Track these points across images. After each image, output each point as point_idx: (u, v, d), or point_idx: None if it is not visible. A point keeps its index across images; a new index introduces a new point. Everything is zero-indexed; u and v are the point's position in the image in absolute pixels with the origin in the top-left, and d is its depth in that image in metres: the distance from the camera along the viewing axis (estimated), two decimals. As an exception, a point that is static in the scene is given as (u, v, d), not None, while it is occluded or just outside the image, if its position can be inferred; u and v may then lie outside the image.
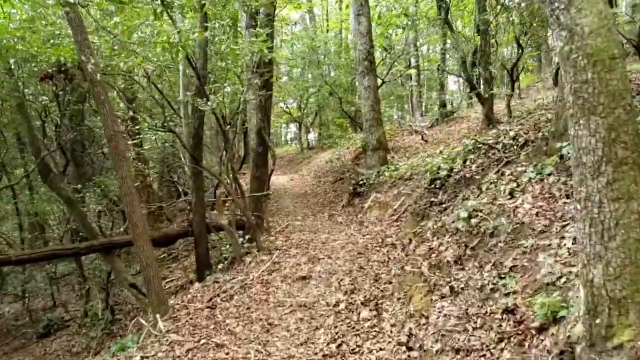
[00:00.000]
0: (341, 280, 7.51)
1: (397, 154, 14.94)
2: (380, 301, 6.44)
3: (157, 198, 17.14)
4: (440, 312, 5.16)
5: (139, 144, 13.02)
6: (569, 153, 4.79)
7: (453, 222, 6.25)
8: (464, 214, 5.89)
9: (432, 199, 7.99)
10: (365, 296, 6.69)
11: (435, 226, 7.00)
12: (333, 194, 17.30)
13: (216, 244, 12.17)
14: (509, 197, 5.97)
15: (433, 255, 6.06)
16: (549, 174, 5.82)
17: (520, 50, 12.71)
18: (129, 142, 12.58)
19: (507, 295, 4.53)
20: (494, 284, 4.92)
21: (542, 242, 4.85)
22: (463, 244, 5.78)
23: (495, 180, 6.70)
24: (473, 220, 5.74)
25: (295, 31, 30.13)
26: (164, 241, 9.53)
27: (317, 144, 30.37)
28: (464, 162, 8.04)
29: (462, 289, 5.31)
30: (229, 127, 8.15)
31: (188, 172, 10.16)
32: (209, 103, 7.58)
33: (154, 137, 11.89)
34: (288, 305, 6.95)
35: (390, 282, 6.73)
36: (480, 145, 8.14)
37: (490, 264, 5.25)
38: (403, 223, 9.22)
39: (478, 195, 6.36)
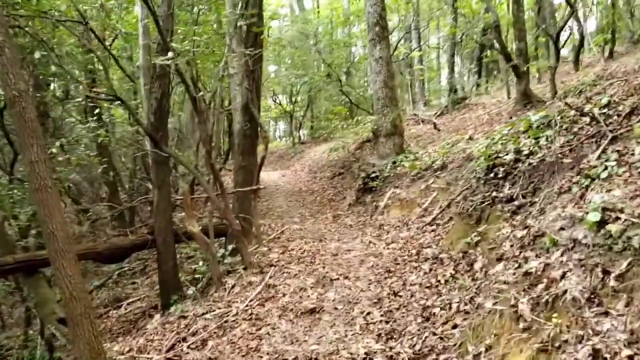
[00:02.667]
0: (368, 314, 5.06)
1: (410, 144, 12.50)
2: (442, 357, 4.00)
3: (129, 198, 14.51)
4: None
5: (99, 126, 10.36)
6: None
7: (562, 229, 3.82)
8: (594, 217, 3.46)
9: (494, 194, 5.56)
10: (415, 345, 4.24)
11: (515, 234, 4.56)
12: (332, 190, 14.90)
13: (193, 255, 9.63)
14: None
15: (537, 284, 3.62)
16: None
17: (571, 11, 10.31)
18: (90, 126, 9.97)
19: None
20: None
21: None
22: (597, 268, 3.35)
23: (610, 164, 4.28)
24: (613, 229, 3.32)
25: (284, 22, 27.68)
26: (114, 255, 7.01)
27: (309, 138, 27.98)
28: (536, 140, 5.62)
29: (613, 352, 2.88)
30: (201, 93, 5.63)
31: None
32: (170, 54, 5.07)
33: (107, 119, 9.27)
34: (291, 359, 4.48)
35: (454, 324, 4.28)
36: (558, 118, 5.72)
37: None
38: (442, 228, 6.77)
39: (603, 188, 3.92)
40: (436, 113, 18.14)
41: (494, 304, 3.91)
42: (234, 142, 8.01)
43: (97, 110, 10.35)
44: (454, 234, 6.13)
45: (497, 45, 10.70)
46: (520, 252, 4.20)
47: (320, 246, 7.40)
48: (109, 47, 7.46)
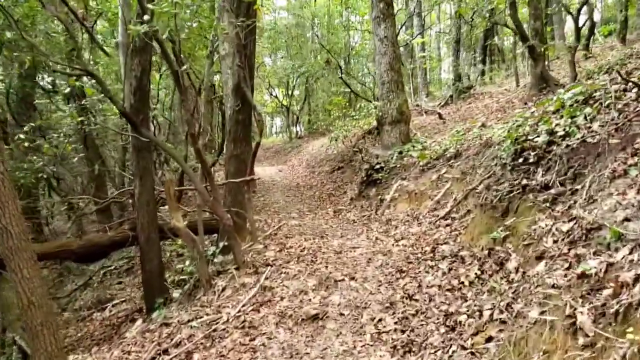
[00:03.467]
0: (379, 321, 4.32)
1: (417, 133, 11.73)
2: (476, 378, 3.25)
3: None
4: None
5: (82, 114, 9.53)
6: None
7: (628, 220, 3.08)
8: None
9: (524, 182, 4.80)
10: (439, 361, 3.50)
11: (558, 227, 3.81)
12: (332, 185, 14.16)
13: (183, 252, 8.85)
14: None
15: (600, 289, 2.88)
16: None
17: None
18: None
19: None
20: None
21: None
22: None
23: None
24: None
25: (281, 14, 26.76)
26: (90, 254, 6.24)
27: (306, 132, 27.18)
28: (572, 119, 4.87)
29: None
30: (184, 67, 4.84)
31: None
32: (145, 17, 4.29)
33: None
34: (291, 377, 3.74)
35: (488, 336, 3.52)
36: (595, 95, 4.98)
37: None
38: (460, 222, 6.02)
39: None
40: (440, 103, 17.38)
41: (541, 313, 3.16)
42: (228, 131, 7.22)
43: (83, 102, 9.56)
44: (475, 229, 5.38)
45: (510, 24, 9.92)
46: (570, 249, 3.45)
47: (322, 243, 6.64)
48: (88, 26, 6.65)
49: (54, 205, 12.49)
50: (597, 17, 21.98)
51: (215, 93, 11.77)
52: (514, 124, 5.91)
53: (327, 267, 5.57)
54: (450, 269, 4.89)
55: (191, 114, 5.18)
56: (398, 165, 8.93)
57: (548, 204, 4.36)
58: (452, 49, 17.37)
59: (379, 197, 8.78)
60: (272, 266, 5.62)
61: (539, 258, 3.76)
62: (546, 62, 9.85)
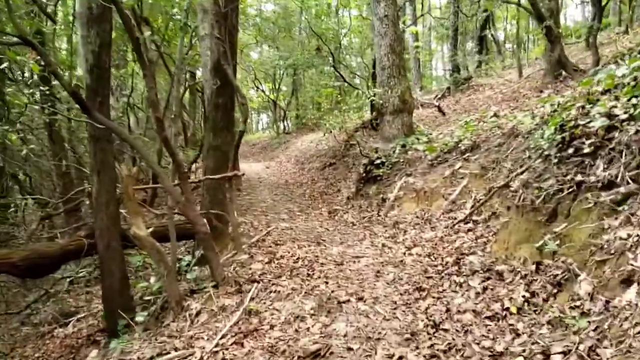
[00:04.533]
0: (401, 360, 3.28)
1: (419, 125, 10.72)
2: None
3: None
4: None
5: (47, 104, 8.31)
6: None
7: None
8: None
9: (579, 177, 3.80)
10: None
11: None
12: (324, 182, 13.15)
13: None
14: None
15: None
16: None
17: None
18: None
19: None
20: None
21: None
22: None
23: None
24: None
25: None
26: (37, 267, 5.09)
27: (294, 128, 26.09)
28: (636, 98, 3.87)
29: None
30: (148, 33, 3.76)
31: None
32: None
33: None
34: None
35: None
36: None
37: None
38: (486, 226, 5.01)
39: None
40: (437, 95, 16.44)
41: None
42: (205, 119, 6.13)
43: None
44: (510, 236, 4.36)
45: (525, 2, 8.94)
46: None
47: (319, 251, 5.58)
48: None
49: (24, 207, 11.26)
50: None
51: (196, 81, 10.59)
52: (554, 108, 4.91)
53: (327, 283, 4.51)
54: (485, 288, 3.87)
55: (155, 93, 4.09)
56: (402, 160, 7.90)
57: (615, 205, 3.36)
58: (450, 38, 16.38)
59: (381, 195, 7.75)
60: (259, 282, 4.54)
61: (627, 281, 2.75)
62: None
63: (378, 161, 8.29)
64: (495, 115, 7.92)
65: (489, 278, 3.99)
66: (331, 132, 11.02)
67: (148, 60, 4.19)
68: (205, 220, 4.39)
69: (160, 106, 4.10)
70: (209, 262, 4.50)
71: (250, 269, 4.98)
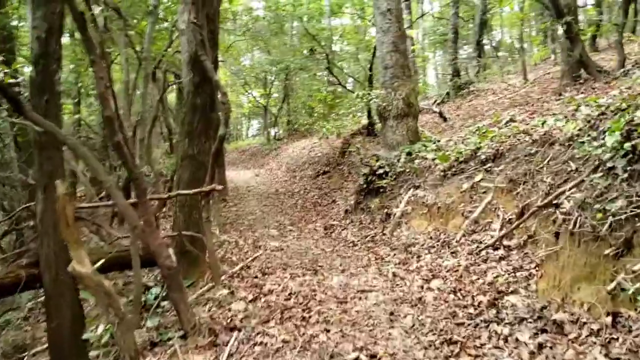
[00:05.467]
0: None
1: (424, 130, 9.80)
2: None
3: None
4: None
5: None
6: None
7: None
8: None
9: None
10: None
11: None
12: (317, 192, 12.21)
13: (125, 287, 6.64)
14: None
15: None
16: None
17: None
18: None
19: None
20: None
21: None
22: None
23: None
24: None
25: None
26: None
27: (285, 134, 25.11)
28: None
29: None
30: (97, 10, 2.86)
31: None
32: None
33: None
34: None
35: None
36: None
37: None
38: (522, 254, 4.05)
39: None
40: (436, 101, 15.54)
41: None
42: (181, 122, 5.13)
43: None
44: (564, 271, 3.40)
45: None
46: None
47: (316, 283, 4.58)
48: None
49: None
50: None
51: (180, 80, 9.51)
52: (602, 110, 3.98)
53: (327, 331, 3.51)
54: (541, 346, 2.90)
55: (106, 85, 3.11)
56: (407, 170, 6.95)
57: None
58: (450, 41, 15.52)
59: (385, 210, 6.79)
60: (240, 331, 3.53)
61: None
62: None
63: (381, 170, 7.33)
64: (511, 120, 7.02)
65: (543, 330, 3.03)
66: (327, 137, 10.01)
67: (93, 42, 3.21)
68: (169, 252, 3.39)
69: (110, 103, 3.12)
70: (175, 305, 3.49)
71: (229, 310, 3.96)
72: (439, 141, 7.56)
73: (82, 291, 5.07)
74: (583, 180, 3.62)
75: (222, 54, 18.00)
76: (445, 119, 12.28)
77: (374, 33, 17.87)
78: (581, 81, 7.91)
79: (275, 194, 13.15)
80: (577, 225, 3.40)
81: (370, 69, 13.13)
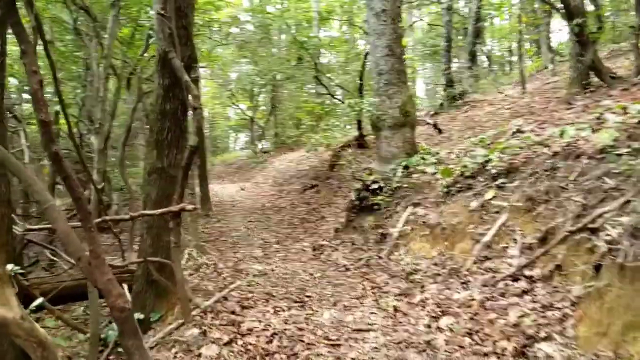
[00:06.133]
0: None
1: (421, 142, 9.16)
2: None
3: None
4: None
5: None
6: None
7: None
8: None
9: None
10: None
11: None
12: (305, 207, 11.55)
13: (84, 316, 5.85)
14: None
15: None
16: None
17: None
18: None
19: None
20: None
21: None
22: None
23: None
24: None
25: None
26: None
27: (272, 147, 24.48)
28: None
29: None
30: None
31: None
32: None
33: None
34: None
35: None
36: None
37: None
38: (551, 289, 3.40)
39: None
40: (429, 112, 15.00)
41: None
42: (149, 131, 4.43)
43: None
44: (612, 315, 2.75)
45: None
46: None
47: (304, 319, 3.87)
48: None
49: None
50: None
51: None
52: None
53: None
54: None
55: (40, 82, 2.45)
56: (405, 185, 6.30)
57: None
58: (444, 50, 15.03)
59: (380, 230, 6.12)
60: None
61: None
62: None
63: (375, 185, 6.68)
64: (519, 131, 6.42)
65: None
66: (316, 150, 9.37)
67: (39, 34, 2.54)
68: (121, 290, 2.67)
69: (44, 105, 2.44)
70: (129, 356, 2.77)
71: (199, 355, 3.25)
72: (438, 153, 6.94)
73: (45, 321, 4.30)
74: (629, 201, 2.98)
75: (207, 63, 17.42)
76: (440, 131, 11.72)
77: (362, 45, 17.40)
78: (592, 89, 7.38)
79: (262, 209, 12.45)
80: (629, 257, 2.76)
81: (361, 79, 12.58)
